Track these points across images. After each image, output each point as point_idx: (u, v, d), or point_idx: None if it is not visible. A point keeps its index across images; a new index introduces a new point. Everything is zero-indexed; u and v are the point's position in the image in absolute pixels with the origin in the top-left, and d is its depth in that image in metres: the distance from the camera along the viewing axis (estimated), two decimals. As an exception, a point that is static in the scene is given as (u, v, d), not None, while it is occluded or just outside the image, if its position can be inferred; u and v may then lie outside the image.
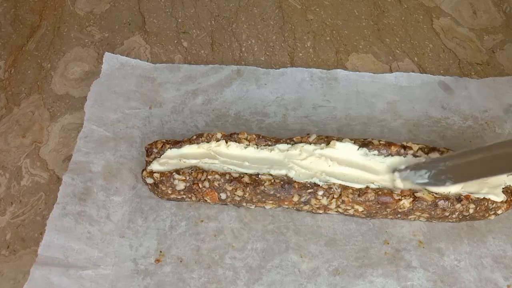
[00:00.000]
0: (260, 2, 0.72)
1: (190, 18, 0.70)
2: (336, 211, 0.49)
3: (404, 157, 0.50)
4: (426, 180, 0.47)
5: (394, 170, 0.49)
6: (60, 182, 0.53)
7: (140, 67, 0.62)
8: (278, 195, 0.47)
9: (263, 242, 0.50)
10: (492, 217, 0.49)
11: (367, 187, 0.47)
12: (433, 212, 0.47)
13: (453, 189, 0.47)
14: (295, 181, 0.47)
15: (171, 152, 0.50)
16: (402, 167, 0.48)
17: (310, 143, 0.50)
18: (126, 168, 0.54)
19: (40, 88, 0.62)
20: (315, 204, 0.48)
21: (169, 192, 0.49)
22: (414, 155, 0.50)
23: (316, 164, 0.49)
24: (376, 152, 0.50)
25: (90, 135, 0.56)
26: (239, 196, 0.48)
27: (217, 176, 0.47)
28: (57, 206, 0.51)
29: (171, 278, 0.48)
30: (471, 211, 0.47)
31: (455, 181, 0.46)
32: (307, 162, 0.49)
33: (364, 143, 0.50)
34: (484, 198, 0.47)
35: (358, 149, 0.50)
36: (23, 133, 0.58)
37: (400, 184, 0.48)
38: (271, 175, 0.48)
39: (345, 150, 0.50)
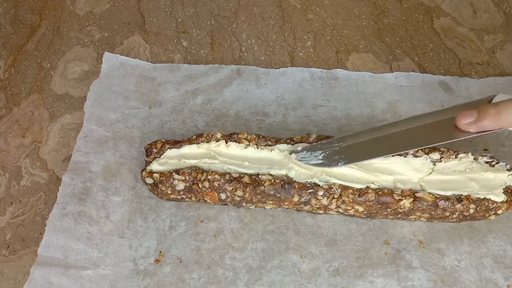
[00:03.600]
0: (260, 2, 0.72)
1: (189, 18, 0.70)
2: (337, 211, 0.49)
3: (405, 156, 0.50)
4: (321, 161, 0.48)
5: (291, 152, 0.49)
6: (59, 182, 0.53)
7: (139, 66, 0.62)
8: (278, 195, 0.47)
9: (263, 242, 0.50)
10: (493, 217, 0.49)
11: (368, 187, 0.47)
12: (433, 212, 0.47)
13: (345, 169, 0.48)
14: (295, 181, 0.47)
15: (170, 152, 0.50)
16: (299, 148, 0.49)
17: (310, 143, 0.50)
18: (126, 168, 0.54)
19: (40, 88, 0.62)
20: (315, 204, 0.48)
21: (169, 192, 0.49)
22: (414, 155, 0.50)
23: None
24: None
25: (89, 135, 0.56)
26: (239, 196, 0.48)
27: (217, 176, 0.47)
28: (56, 206, 0.51)
29: (171, 279, 0.48)
30: (471, 211, 0.47)
31: (348, 161, 0.47)
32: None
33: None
34: (484, 198, 0.47)
35: None
36: (23, 133, 0.58)
37: (295, 166, 0.48)
38: (271, 175, 0.48)
39: None
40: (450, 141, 0.43)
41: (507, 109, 0.40)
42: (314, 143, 0.49)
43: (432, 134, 0.44)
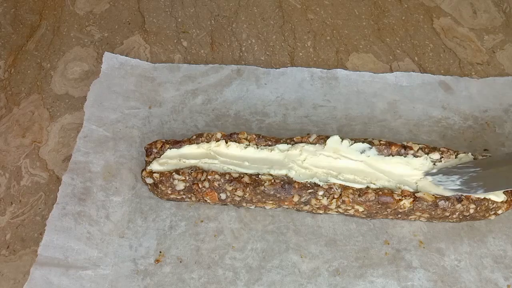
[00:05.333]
0: (260, 2, 0.72)
1: (189, 18, 0.70)
2: (337, 211, 0.49)
3: (405, 156, 0.50)
4: (458, 187, 0.46)
5: (426, 173, 0.48)
6: (59, 182, 0.53)
7: (139, 66, 0.62)
8: (278, 195, 0.47)
9: (263, 243, 0.50)
10: (493, 217, 0.49)
11: (368, 187, 0.47)
12: (433, 212, 0.47)
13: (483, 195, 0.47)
14: (295, 181, 0.47)
15: (170, 152, 0.50)
16: (434, 170, 0.48)
17: (310, 143, 0.50)
18: (126, 168, 0.54)
19: (40, 88, 0.62)
20: (315, 204, 0.48)
21: (169, 192, 0.49)
22: (414, 155, 0.50)
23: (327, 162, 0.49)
24: (376, 151, 0.50)
25: (89, 135, 0.56)
26: (239, 196, 0.48)
27: (217, 176, 0.47)
28: (56, 206, 0.51)
29: (171, 279, 0.48)
30: (471, 211, 0.47)
31: (487, 189, 0.45)
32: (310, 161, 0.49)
33: (364, 143, 0.50)
34: (484, 198, 0.47)
35: (342, 142, 0.50)
36: (23, 133, 0.58)
37: (433, 188, 0.47)
38: (271, 175, 0.48)
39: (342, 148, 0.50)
40: None
41: None
42: (450, 167, 0.48)
43: None
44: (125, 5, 0.71)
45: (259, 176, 0.48)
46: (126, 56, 0.63)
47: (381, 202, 0.47)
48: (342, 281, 0.47)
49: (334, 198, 0.47)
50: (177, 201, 0.52)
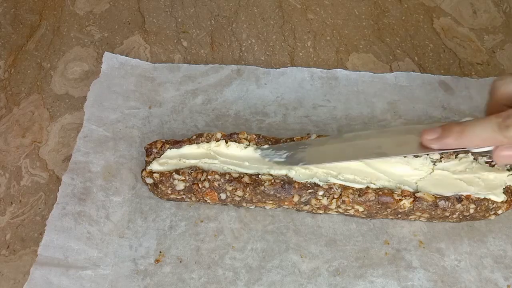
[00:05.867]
0: (260, 2, 0.72)
1: (189, 18, 0.70)
2: (337, 211, 0.49)
3: (405, 156, 0.50)
4: (284, 159, 0.48)
5: (258, 148, 0.50)
6: (59, 182, 0.53)
7: (139, 66, 0.62)
8: (278, 195, 0.47)
9: (263, 243, 0.50)
10: (493, 217, 0.49)
11: (368, 187, 0.47)
12: (433, 212, 0.47)
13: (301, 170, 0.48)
14: (295, 181, 0.47)
15: (170, 152, 0.50)
16: (265, 146, 0.50)
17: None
18: (126, 168, 0.54)
19: (40, 88, 0.62)
20: (315, 204, 0.48)
21: (169, 192, 0.49)
22: (415, 155, 0.50)
23: None
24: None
25: (89, 135, 0.56)
26: (239, 196, 0.48)
27: (217, 176, 0.47)
28: (56, 206, 0.51)
29: (171, 279, 0.48)
30: (471, 211, 0.47)
31: (308, 162, 0.47)
32: None
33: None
34: (484, 198, 0.47)
35: None
36: (22, 133, 0.58)
37: (261, 161, 0.49)
38: (271, 175, 0.48)
39: None
40: (410, 154, 0.43)
41: (471, 128, 0.38)
42: (281, 143, 0.50)
43: (395, 147, 0.44)
44: (125, 5, 0.71)
45: (259, 176, 0.48)
46: (126, 56, 0.63)
47: (381, 202, 0.47)
48: (342, 281, 0.47)
49: (334, 198, 0.47)
50: (177, 201, 0.52)
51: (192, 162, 0.49)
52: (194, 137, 0.51)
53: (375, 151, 0.44)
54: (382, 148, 0.44)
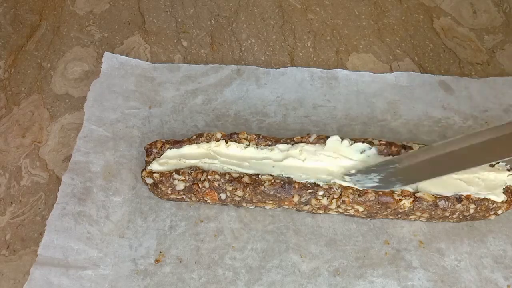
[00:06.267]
0: (260, 2, 0.72)
1: (189, 18, 0.70)
2: (337, 211, 0.49)
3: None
4: (376, 184, 0.47)
5: (345, 174, 0.48)
6: (59, 182, 0.53)
7: (139, 66, 0.62)
8: (278, 195, 0.47)
9: (263, 242, 0.50)
10: (492, 217, 0.49)
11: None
12: (433, 212, 0.47)
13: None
14: (295, 181, 0.47)
15: (170, 152, 0.50)
16: (353, 171, 0.48)
17: (310, 143, 0.50)
18: (126, 168, 0.54)
19: (40, 88, 0.62)
20: (315, 204, 0.48)
21: (169, 192, 0.49)
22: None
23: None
24: (376, 151, 0.50)
25: (89, 135, 0.56)
26: (239, 196, 0.48)
27: (217, 176, 0.47)
28: (56, 206, 0.51)
29: (171, 279, 0.48)
30: (471, 211, 0.47)
31: (405, 183, 0.46)
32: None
33: (364, 143, 0.50)
34: (484, 198, 0.47)
35: (342, 142, 0.50)
36: (23, 133, 0.58)
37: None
38: (271, 175, 0.48)
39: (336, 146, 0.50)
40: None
41: None
42: (368, 166, 0.48)
43: (492, 150, 0.41)
44: (125, 5, 0.71)
45: (259, 176, 0.48)
46: (126, 56, 0.63)
47: (381, 202, 0.47)
48: (342, 281, 0.47)
49: (334, 198, 0.47)
50: (177, 201, 0.52)
51: (192, 162, 0.49)
52: (194, 137, 0.51)
53: (473, 159, 0.42)
54: (479, 154, 0.41)
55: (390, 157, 0.49)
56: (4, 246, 0.50)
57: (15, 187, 0.54)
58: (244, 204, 0.50)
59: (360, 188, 0.47)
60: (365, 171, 0.48)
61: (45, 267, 0.47)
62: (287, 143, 0.50)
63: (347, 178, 0.48)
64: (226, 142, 0.50)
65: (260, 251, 0.49)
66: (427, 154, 0.45)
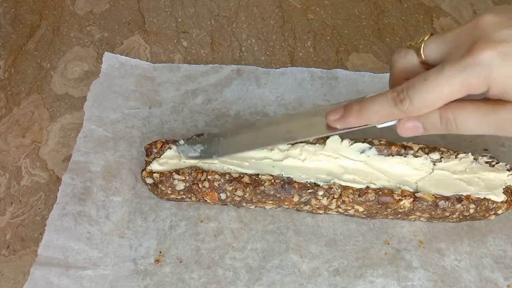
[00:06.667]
0: (260, 2, 0.72)
1: (190, 18, 0.70)
2: (337, 211, 0.49)
3: (405, 156, 0.50)
4: (198, 154, 0.48)
5: (176, 145, 0.50)
6: (59, 182, 0.53)
7: (139, 66, 0.62)
8: (278, 195, 0.47)
9: (263, 242, 0.50)
10: (493, 217, 0.49)
11: (368, 187, 0.47)
12: (433, 212, 0.47)
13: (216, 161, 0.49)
14: (295, 181, 0.47)
15: (170, 152, 0.50)
16: (181, 141, 0.49)
17: (310, 143, 0.50)
18: (126, 168, 0.54)
19: (40, 88, 0.62)
20: (315, 204, 0.48)
21: (169, 192, 0.49)
22: (414, 155, 0.50)
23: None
24: (376, 151, 0.50)
25: (89, 135, 0.56)
26: (239, 196, 0.48)
27: (217, 176, 0.47)
28: (56, 206, 0.51)
29: (171, 279, 0.48)
30: (471, 211, 0.47)
31: (222, 153, 0.47)
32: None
33: (364, 143, 0.50)
34: (484, 198, 0.47)
35: (342, 142, 0.50)
36: (22, 133, 0.58)
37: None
38: (271, 175, 0.48)
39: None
40: (318, 136, 0.43)
41: (369, 106, 0.38)
42: (197, 138, 0.49)
43: (304, 130, 0.43)
44: (125, 5, 0.71)
45: (259, 176, 0.48)
46: (126, 56, 0.63)
47: (381, 202, 0.47)
48: (342, 281, 0.47)
49: (334, 198, 0.47)
50: (177, 201, 0.52)
51: (192, 162, 0.49)
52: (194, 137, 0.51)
53: (285, 136, 0.44)
54: (291, 133, 0.44)
55: (217, 131, 0.50)
56: (4, 246, 0.50)
57: (15, 187, 0.54)
58: (244, 204, 0.50)
59: (184, 158, 0.48)
60: (192, 142, 0.49)
61: (45, 267, 0.47)
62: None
63: (174, 147, 0.49)
64: (226, 142, 0.50)
65: (260, 251, 0.49)
66: (249, 129, 0.47)
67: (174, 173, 0.48)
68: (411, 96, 0.35)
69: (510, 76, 0.32)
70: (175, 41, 0.67)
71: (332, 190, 0.47)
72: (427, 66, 0.37)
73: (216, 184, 0.47)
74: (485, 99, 0.35)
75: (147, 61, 0.64)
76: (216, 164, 0.49)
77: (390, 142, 0.50)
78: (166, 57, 0.65)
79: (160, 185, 0.48)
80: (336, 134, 0.45)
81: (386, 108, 0.37)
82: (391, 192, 0.47)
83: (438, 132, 0.37)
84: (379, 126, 0.40)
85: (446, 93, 0.34)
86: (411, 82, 0.35)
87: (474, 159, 0.50)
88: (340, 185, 0.47)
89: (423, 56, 0.37)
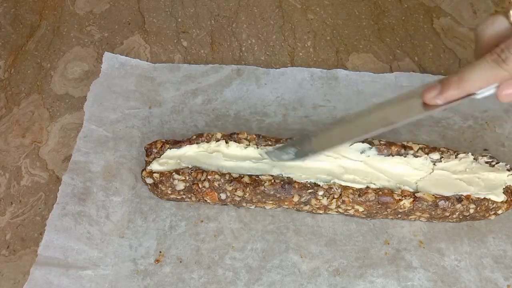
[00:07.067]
0: (260, 2, 0.72)
1: (189, 18, 0.70)
2: (337, 211, 0.49)
3: (405, 156, 0.50)
4: (293, 156, 0.48)
5: (265, 152, 0.50)
6: (59, 182, 0.53)
7: (139, 66, 0.62)
8: (278, 195, 0.47)
9: (263, 242, 0.50)
10: (492, 217, 0.49)
11: (368, 187, 0.47)
12: (433, 212, 0.47)
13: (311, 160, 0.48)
14: (295, 181, 0.47)
15: (170, 152, 0.50)
16: (271, 148, 0.50)
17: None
18: (126, 168, 0.54)
19: (40, 88, 0.62)
20: (315, 204, 0.48)
21: (169, 192, 0.49)
22: (414, 155, 0.50)
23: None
24: (376, 151, 0.50)
25: (89, 135, 0.56)
26: (239, 196, 0.48)
27: (217, 176, 0.47)
28: (56, 206, 0.51)
29: (171, 279, 0.48)
30: (471, 211, 0.47)
31: (317, 151, 0.47)
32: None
33: (364, 143, 0.50)
34: (484, 198, 0.47)
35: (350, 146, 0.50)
36: (23, 133, 0.58)
37: (270, 163, 0.49)
38: (271, 175, 0.48)
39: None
40: (417, 118, 0.42)
41: (469, 73, 0.38)
42: (285, 143, 0.50)
43: (401, 113, 0.43)
44: (125, 5, 0.71)
45: (259, 176, 0.48)
46: (126, 56, 0.63)
47: (381, 202, 0.47)
48: (342, 281, 0.47)
49: (334, 198, 0.47)
50: (177, 201, 0.52)
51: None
52: (194, 137, 0.51)
53: (382, 123, 0.43)
54: (388, 119, 0.43)
55: (306, 133, 0.50)
56: (4, 246, 0.50)
57: (15, 187, 0.54)
58: (244, 204, 0.50)
59: (275, 160, 0.49)
60: (282, 147, 0.49)
61: (45, 267, 0.47)
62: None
63: (264, 155, 0.49)
64: (226, 142, 0.50)
65: (260, 251, 0.49)
66: (340, 125, 0.47)
67: (174, 173, 0.48)
68: None
69: None
70: (175, 41, 0.67)
71: (332, 190, 0.47)
72: None
73: (216, 184, 0.47)
74: None
75: (147, 61, 0.64)
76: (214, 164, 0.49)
77: (390, 142, 0.50)
78: (166, 57, 0.65)
79: (160, 185, 0.48)
80: (434, 113, 0.43)
81: (488, 71, 0.36)
82: (391, 192, 0.47)
83: None
84: (479, 96, 0.39)
85: None
86: (509, 41, 0.35)
87: (474, 159, 0.50)
88: (340, 185, 0.47)
89: None
